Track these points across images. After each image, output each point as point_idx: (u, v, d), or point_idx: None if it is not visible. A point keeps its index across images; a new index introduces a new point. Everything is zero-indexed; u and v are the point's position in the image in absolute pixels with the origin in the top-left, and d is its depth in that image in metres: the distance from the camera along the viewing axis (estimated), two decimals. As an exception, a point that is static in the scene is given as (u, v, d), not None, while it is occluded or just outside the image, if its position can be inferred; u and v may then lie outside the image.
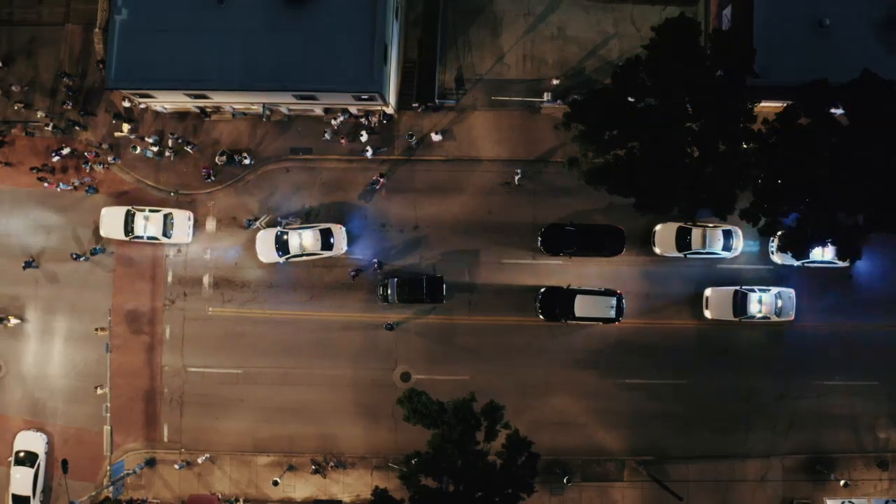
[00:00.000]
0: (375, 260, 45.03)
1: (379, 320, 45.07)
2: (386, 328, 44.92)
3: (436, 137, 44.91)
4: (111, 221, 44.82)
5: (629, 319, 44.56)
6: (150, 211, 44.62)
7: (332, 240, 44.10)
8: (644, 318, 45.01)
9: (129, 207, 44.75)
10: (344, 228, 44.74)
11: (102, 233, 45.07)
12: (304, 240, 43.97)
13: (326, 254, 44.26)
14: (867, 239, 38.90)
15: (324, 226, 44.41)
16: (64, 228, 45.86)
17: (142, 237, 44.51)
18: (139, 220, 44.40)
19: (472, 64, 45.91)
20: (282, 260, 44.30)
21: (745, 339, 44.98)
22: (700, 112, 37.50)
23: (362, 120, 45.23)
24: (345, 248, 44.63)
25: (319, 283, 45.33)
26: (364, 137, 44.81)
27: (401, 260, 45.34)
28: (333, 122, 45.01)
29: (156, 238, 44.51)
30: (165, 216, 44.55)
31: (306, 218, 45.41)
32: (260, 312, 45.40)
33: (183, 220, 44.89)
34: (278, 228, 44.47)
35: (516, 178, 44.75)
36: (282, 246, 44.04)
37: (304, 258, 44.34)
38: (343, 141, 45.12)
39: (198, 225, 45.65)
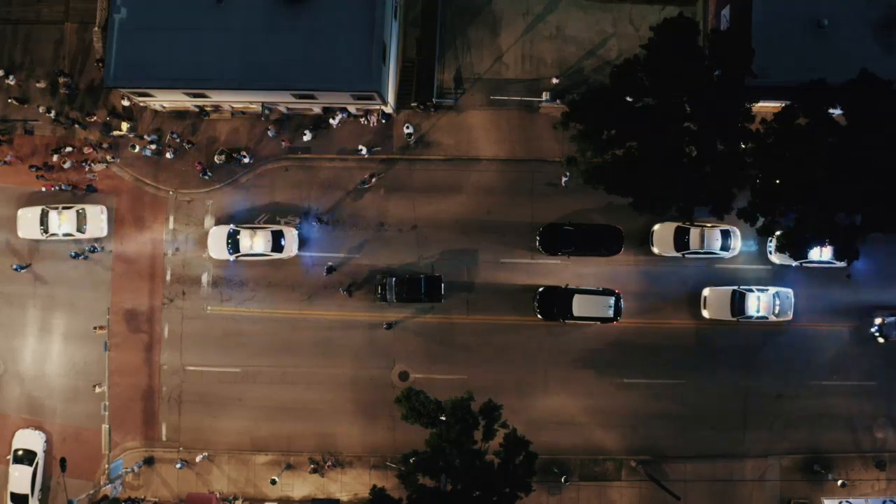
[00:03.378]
0: (329, 263, 44.93)
1: (377, 319, 45.11)
2: (384, 327, 44.97)
3: (407, 130, 44.89)
4: (27, 222, 44.81)
5: (627, 319, 44.57)
6: (64, 208, 44.63)
7: (282, 242, 44.13)
8: (642, 317, 45.03)
9: (44, 206, 44.76)
10: (296, 232, 44.85)
11: (20, 234, 45.02)
12: (254, 240, 44.05)
13: (276, 256, 44.31)
14: (865, 239, 38.92)
15: (276, 228, 44.53)
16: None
17: (57, 234, 44.52)
18: (53, 217, 44.43)
19: (470, 63, 45.95)
20: (232, 258, 44.41)
21: (743, 338, 45.00)
22: (698, 112, 37.52)
23: (362, 120, 45.28)
24: (295, 251, 44.71)
25: (318, 282, 45.36)
26: (307, 136, 44.87)
27: (399, 259, 45.36)
28: (332, 121, 45.07)
29: (71, 234, 44.54)
30: (78, 212, 44.57)
31: (304, 217, 45.43)
32: (258, 311, 45.44)
33: (96, 214, 44.94)
34: (231, 226, 44.52)
35: (563, 179, 44.57)
36: (233, 244, 44.10)
37: (254, 258, 44.40)
38: (284, 142, 45.17)
39: (113, 217, 45.65)
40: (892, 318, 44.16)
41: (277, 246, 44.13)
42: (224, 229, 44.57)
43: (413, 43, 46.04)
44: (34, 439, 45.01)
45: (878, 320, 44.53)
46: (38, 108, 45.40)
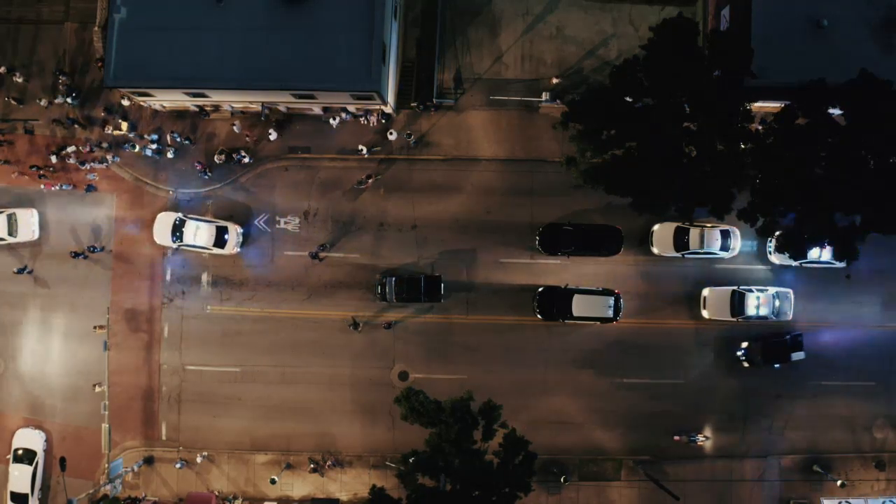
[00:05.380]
0: (315, 248, 44.89)
1: (377, 319, 45.13)
2: (384, 327, 44.99)
3: (391, 137, 44.90)
4: None
5: (627, 319, 44.59)
6: None
7: (225, 237, 44.20)
8: (642, 317, 45.05)
9: None
10: (241, 230, 44.90)
11: None
12: (198, 231, 44.13)
13: (216, 251, 44.34)
14: (864, 239, 38.92)
15: (222, 223, 44.57)
16: (62, 227, 45.88)
17: None
18: None
19: (470, 63, 45.97)
20: (174, 245, 44.45)
21: (742, 338, 44.95)
22: (698, 112, 37.53)
23: (361, 120, 45.31)
24: (237, 249, 44.77)
25: (318, 281, 45.40)
26: (273, 135, 44.88)
27: (399, 259, 45.38)
28: (332, 121, 45.10)
29: (3, 239, 44.56)
30: (9, 216, 44.53)
31: (304, 216, 45.48)
32: (258, 311, 45.46)
33: (27, 218, 44.91)
34: (179, 215, 44.56)
35: None
36: (178, 232, 44.16)
37: (195, 249, 44.47)
38: (247, 138, 45.22)
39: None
40: (757, 344, 43.84)
41: (220, 241, 44.17)
42: (171, 216, 44.56)
43: (413, 43, 46.05)
44: (34, 438, 45.05)
45: (744, 344, 44.34)
46: (39, 103, 45.34)
